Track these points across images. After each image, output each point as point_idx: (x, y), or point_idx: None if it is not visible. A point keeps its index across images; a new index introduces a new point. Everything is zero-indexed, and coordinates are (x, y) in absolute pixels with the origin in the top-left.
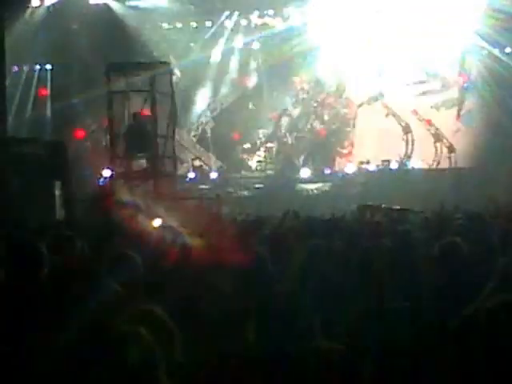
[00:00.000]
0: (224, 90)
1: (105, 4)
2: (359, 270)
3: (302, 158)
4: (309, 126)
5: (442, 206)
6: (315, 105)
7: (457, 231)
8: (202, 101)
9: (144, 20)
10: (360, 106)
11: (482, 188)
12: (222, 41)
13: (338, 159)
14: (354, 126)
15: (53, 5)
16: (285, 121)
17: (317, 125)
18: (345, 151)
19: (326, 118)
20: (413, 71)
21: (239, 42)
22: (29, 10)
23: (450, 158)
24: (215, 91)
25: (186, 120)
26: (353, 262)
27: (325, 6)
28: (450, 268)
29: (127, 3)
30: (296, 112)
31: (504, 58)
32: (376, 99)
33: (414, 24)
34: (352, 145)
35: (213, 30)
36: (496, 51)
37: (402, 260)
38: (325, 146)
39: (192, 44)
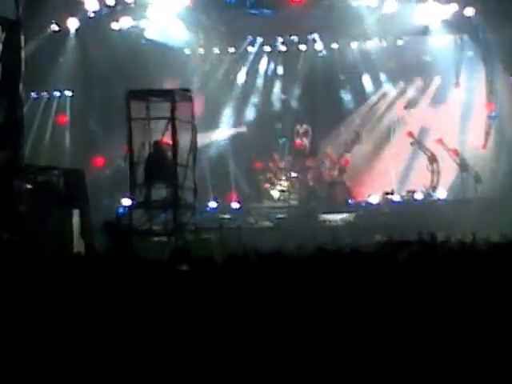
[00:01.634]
0: (247, 116)
1: (126, 29)
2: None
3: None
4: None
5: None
6: None
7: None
8: (224, 127)
9: (166, 46)
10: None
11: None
12: (245, 67)
13: (362, 189)
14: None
15: (76, 30)
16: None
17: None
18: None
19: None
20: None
21: (262, 67)
22: (48, 35)
23: (476, 187)
24: (238, 118)
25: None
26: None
27: None
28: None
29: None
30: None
31: None
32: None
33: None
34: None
35: (236, 55)
36: None
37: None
38: (349, 176)
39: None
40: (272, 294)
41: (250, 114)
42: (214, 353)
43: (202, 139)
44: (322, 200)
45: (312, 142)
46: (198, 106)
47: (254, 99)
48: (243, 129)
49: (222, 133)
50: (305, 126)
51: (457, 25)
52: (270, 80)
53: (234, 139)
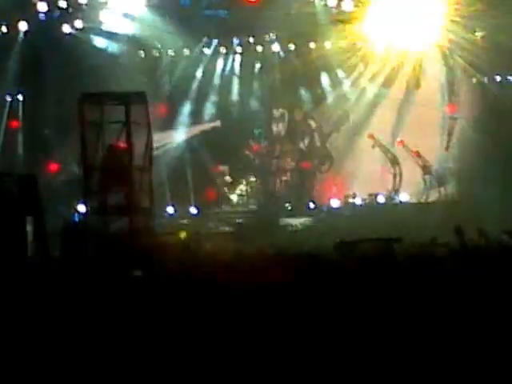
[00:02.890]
0: (205, 117)
1: (79, 32)
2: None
3: (285, 191)
4: (284, 179)
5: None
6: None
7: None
8: (181, 132)
9: (121, 48)
10: (329, 135)
11: (471, 221)
12: (200, 68)
13: (322, 193)
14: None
15: (24, 32)
16: (267, 152)
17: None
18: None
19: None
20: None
21: (219, 67)
22: None
23: (439, 191)
24: (195, 118)
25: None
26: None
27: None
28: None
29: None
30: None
31: (493, 87)
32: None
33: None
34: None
35: (191, 57)
36: (485, 79)
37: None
38: (309, 180)
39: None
40: (231, 300)
41: (208, 114)
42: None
43: (160, 140)
44: (282, 204)
45: (288, 127)
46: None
47: (213, 98)
48: (202, 127)
49: (179, 135)
50: (281, 110)
51: None
52: (227, 80)
53: (192, 141)
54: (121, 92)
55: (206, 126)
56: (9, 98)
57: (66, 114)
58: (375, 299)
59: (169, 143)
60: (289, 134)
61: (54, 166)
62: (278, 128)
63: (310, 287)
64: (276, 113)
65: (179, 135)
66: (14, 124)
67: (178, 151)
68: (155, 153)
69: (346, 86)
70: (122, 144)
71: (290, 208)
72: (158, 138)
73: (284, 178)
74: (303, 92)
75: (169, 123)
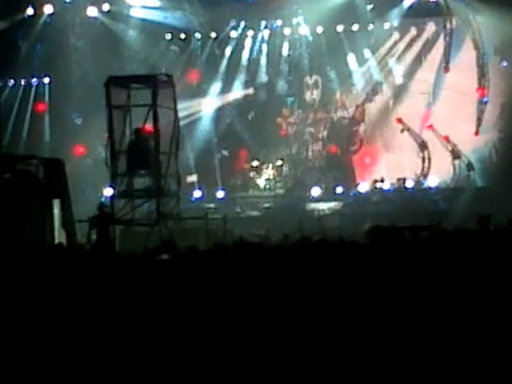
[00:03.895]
0: (230, 104)
1: (105, 15)
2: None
3: (313, 175)
4: (319, 142)
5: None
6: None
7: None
8: (207, 120)
9: (146, 31)
10: (359, 105)
11: (500, 207)
12: (228, 51)
13: (352, 176)
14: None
15: (49, 15)
16: (295, 137)
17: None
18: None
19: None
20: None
21: (246, 49)
22: (25, 21)
23: (468, 176)
24: (220, 111)
25: (192, 136)
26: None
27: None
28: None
29: (125, 12)
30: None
31: None
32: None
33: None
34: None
35: (218, 40)
36: None
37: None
38: (337, 164)
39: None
40: (257, 284)
41: (236, 93)
42: (197, 342)
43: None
44: (309, 189)
45: (322, 94)
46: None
47: (242, 77)
48: (234, 95)
49: (210, 103)
50: (314, 77)
51: (446, 7)
52: (255, 62)
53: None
54: (148, 75)
55: (238, 94)
56: (35, 82)
57: (93, 97)
58: (404, 285)
59: (198, 112)
60: (322, 101)
61: (80, 150)
62: (313, 95)
63: (340, 274)
64: (309, 80)
65: (210, 103)
66: (41, 107)
67: (207, 124)
68: (187, 121)
69: (373, 66)
70: (149, 128)
71: (317, 193)
72: (187, 106)
73: (316, 148)
74: (331, 73)
75: (198, 91)
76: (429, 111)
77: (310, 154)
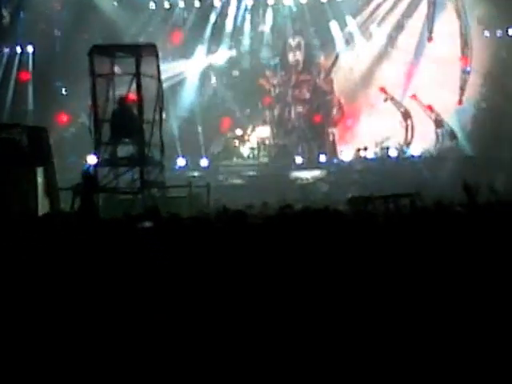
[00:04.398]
0: (214, 77)
1: None
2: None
3: (296, 143)
4: (303, 105)
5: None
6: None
7: None
8: (191, 84)
9: (130, 0)
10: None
11: (483, 176)
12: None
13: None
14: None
15: None
16: (278, 99)
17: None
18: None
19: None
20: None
21: (229, 23)
22: None
23: (451, 144)
24: (204, 79)
25: (176, 105)
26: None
27: None
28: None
29: None
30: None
31: (507, 41)
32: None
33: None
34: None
35: (202, 8)
36: (498, 33)
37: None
38: (320, 133)
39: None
40: (240, 252)
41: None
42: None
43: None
44: (293, 157)
45: (305, 55)
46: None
47: (226, 42)
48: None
49: (193, 64)
50: (297, 39)
51: None
52: (239, 30)
53: (202, 95)
54: (131, 44)
55: (222, 57)
56: (19, 50)
57: (77, 65)
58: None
59: (181, 75)
60: (305, 64)
61: (64, 118)
62: (296, 57)
63: (320, 241)
64: (292, 42)
65: (194, 66)
66: (24, 76)
67: (191, 90)
68: (169, 83)
69: (355, 32)
70: (133, 96)
71: (301, 161)
72: (170, 67)
73: (299, 109)
74: (314, 38)
75: (182, 52)
76: (410, 79)
77: (292, 116)
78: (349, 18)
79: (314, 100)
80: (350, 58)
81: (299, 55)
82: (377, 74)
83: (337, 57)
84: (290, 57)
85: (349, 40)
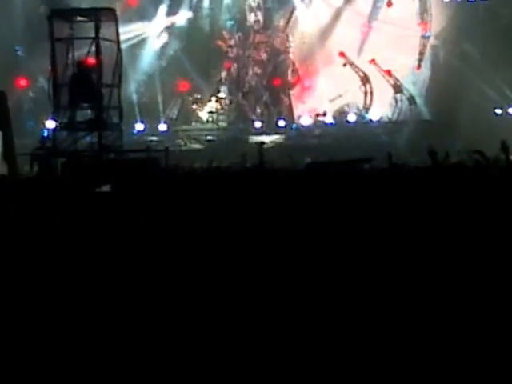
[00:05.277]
0: (174, 39)
1: None
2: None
3: (255, 109)
4: (256, 72)
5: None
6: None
7: None
8: (150, 50)
9: None
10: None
11: (441, 141)
12: None
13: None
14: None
15: None
16: (235, 59)
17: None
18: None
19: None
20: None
21: None
22: None
23: (410, 109)
24: (164, 41)
25: (134, 68)
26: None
27: None
28: None
29: None
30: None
31: (467, 6)
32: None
33: None
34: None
35: None
36: None
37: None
38: (279, 97)
39: None
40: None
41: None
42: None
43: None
44: (251, 121)
45: (264, 16)
46: None
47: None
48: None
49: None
50: (257, 0)
51: None
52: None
53: (161, 59)
54: (90, 8)
55: (181, 17)
56: None
57: (36, 30)
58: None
59: (141, 35)
60: (264, 24)
61: (23, 82)
62: (257, 17)
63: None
64: (253, 3)
65: (153, 27)
66: None
67: (149, 53)
68: (128, 45)
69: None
70: (92, 60)
71: (259, 125)
72: (129, 29)
73: (257, 70)
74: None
75: (142, 14)
76: (367, 43)
77: (249, 77)
78: None
79: (270, 61)
80: (308, 19)
81: (260, 15)
82: (334, 37)
83: (292, 12)
84: (251, 17)
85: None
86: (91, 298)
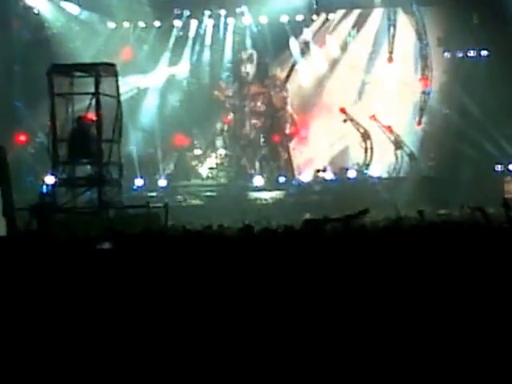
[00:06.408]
0: (173, 92)
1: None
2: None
3: (255, 164)
4: (255, 123)
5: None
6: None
7: None
8: (150, 104)
9: (89, 19)
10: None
11: (441, 197)
12: (171, 41)
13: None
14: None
15: None
16: (233, 110)
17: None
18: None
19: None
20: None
21: (189, 43)
22: None
23: (411, 166)
24: (164, 94)
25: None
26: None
27: None
28: None
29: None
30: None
31: (467, 63)
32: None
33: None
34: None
35: (162, 29)
36: (459, 54)
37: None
38: (279, 153)
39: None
40: (199, 272)
41: (178, 90)
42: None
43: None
44: (252, 178)
45: (258, 67)
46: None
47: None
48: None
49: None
50: (250, 52)
51: None
52: (197, 55)
53: (161, 114)
54: (90, 63)
55: (181, 71)
56: None
57: (36, 84)
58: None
59: (141, 89)
60: (257, 75)
61: (22, 137)
62: (246, 69)
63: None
64: (244, 55)
65: (153, 81)
66: None
67: (146, 123)
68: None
69: (315, 53)
70: (92, 116)
71: (259, 181)
72: (129, 82)
73: (255, 122)
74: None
75: (133, 68)
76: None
77: (247, 128)
78: (309, 36)
79: (268, 113)
80: (306, 71)
81: (250, 68)
82: (333, 90)
83: (292, 66)
84: (242, 68)
85: (304, 50)
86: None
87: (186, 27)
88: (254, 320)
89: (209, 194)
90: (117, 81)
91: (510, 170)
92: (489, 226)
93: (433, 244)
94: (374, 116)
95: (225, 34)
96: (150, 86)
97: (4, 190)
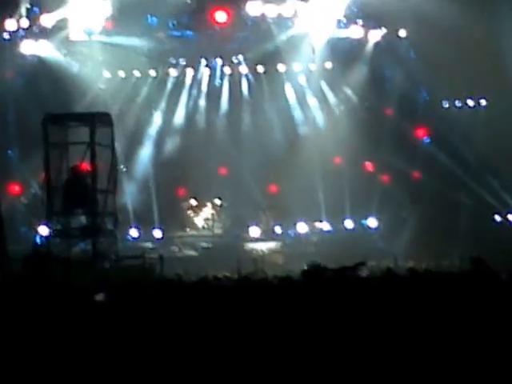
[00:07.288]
0: (169, 142)
1: (41, 53)
2: None
3: (251, 215)
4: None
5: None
6: None
7: None
8: (145, 153)
9: (84, 69)
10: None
11: (440, 247)
12: (167, 90)
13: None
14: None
15: None
16: (233, 175)
17: None
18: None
19: None
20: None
21: (186, 88)
22: None
23: (407, 215)
24: (159, 144)
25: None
26: None
27: None
28: None
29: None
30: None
31: (466, 113)
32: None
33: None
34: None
35: (157, 79)
36: (457, 103)
37: None
38: (276, 203)
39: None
40: (196, 322)
41: (174, 139)
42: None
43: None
44: (247, 229)
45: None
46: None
47: (178, 122)
48: (166, 153)
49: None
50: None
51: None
52: (193, 104)
53: (157, 164)
54: (85, 113)
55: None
56: None
57: (30, 134)
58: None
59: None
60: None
61: (16, 188)
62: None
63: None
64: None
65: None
66: None
67: (142, 175)
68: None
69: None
70: (86, 166)
71: (256, 232)
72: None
73: (256, 187)
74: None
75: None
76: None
77: (244, 180)
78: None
79: (270, 176)
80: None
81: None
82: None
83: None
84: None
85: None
86: None
87: (181, 76)
88: (253, 368)
89: (204, 244)
90: (112, 130)
91: (509, 221)
92: (489, 277)
93: (428, 294)
94: (368, 164)
95: (222, 83)
96: (145, 135)
97: None
